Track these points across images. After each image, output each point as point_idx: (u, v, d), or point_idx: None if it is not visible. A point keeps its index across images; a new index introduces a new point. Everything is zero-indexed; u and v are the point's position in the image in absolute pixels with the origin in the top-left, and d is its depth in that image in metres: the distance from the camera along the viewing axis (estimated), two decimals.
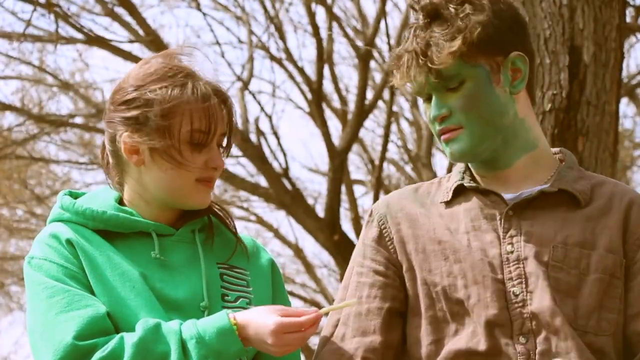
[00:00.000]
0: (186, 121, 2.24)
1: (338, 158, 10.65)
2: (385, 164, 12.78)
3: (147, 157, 2.28)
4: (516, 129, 2.28)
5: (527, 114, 2.30)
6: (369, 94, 10.88)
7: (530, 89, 2.33)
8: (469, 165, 2.35)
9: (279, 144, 11.14)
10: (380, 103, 12.09)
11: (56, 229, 2.28)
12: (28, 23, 8.06)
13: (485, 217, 2.27)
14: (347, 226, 14.88)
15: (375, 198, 11.46)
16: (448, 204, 2.32)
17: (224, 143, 2.33)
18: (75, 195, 2.38)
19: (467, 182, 2.31)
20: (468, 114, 2.24)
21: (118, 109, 2.29)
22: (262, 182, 11.14)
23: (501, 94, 2.26)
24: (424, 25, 2.26)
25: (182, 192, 2.28)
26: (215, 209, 2.40)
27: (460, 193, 2.32)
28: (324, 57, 11.08)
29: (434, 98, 2.28)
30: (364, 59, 10.85)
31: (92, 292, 2.21)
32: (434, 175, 12.09)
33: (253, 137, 10.74)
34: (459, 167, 2.37)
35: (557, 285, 2.19)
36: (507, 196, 2.27)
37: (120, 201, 2.36)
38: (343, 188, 11.19)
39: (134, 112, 2.27)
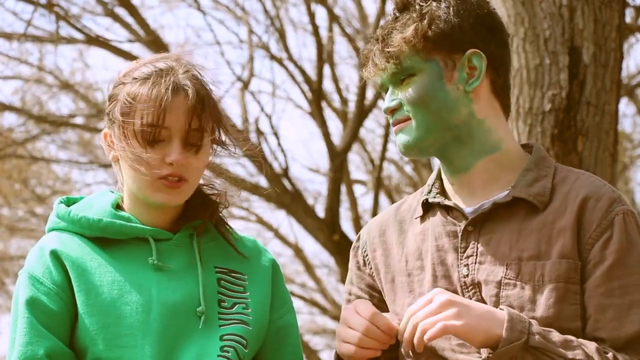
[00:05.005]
0: (138, 116, 2.23)
1: (338, 158, 10.66)
2: (385, 164, 12.78)
3: (119, 152, 2.29)
4: (472, 129, 2.26)
5: (488, 116, 2.28)
6: (369, 94, 10.88)
7: (499, 92, 2.30)
8: (441, 172, 2.35)
9: (279, 144, 11.15)
10: (380, 103, 12.08)
11: (44, 241, 2.31)
12: (29, 23, 8.06)
13: (448, 235, 2.27)
14: (347, 226, 14.91)
15: (376, 198, 11.48)
16: (422, 218, 2.34)
17: (195, 140, 2.27)
18: (72, 201, 2.39)
19: (431, 198, 2.32)
20: (415, 106, 2.25)
21: (105, 107, 2.34)
22: (262, 182, 11.15)
23: (452, 90, 2.25)
24: (393, 18, 2.30)
25: (145, 188, 2.27)
26: (215, 215, 2.39)
27: (429, 208, 2.33)
28: (324, 57, 11.09)
29: (388, 90, 2.30)
30: None
31: (72, 304, 2.23)
32: None
33: (253, 137, 10.74)
34: (430, 178, 2.38)
35: (509, 302, 2.17)
36: (468, 209, 2.27)
37: (120, 204, 2.37)
38: (343, 188, 11.20)
39: (109, 108, 2.30)
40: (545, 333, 2.09)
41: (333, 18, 11.41)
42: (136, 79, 2.27)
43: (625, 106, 13.48)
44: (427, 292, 2.23)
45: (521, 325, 2.07)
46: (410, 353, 2.27)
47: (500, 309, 2.11)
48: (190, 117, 2.25)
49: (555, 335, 2.10)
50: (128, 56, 9.98)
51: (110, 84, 2.36)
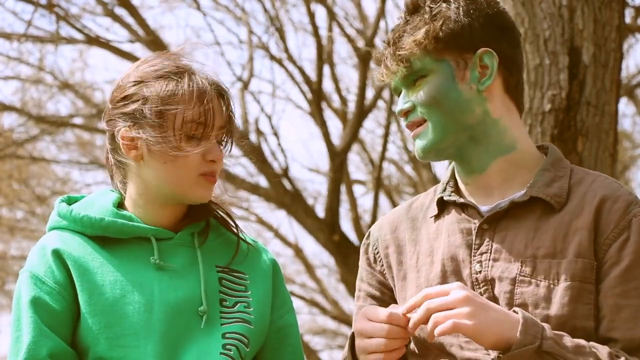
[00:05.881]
0: (181, 114, 2.24)
1: (338, 158, 10.66)
2: (385, 164, 12.79)
3: (145, 152, 2.28)
4: (487, 128, 2.27)
5: (503, 115, 2.28)
6: (369, 94, 10.89)
7: (512, 91, 2.30)
8: (455, 172, 2.35)
9: (279, 144, 11.16)
10: (380, 103, 12.10)
11: (46, 240, 2.31)
12: (29, 23, 8.07)
13: (461, 232, 2.27)
14: (347, 226, 14.92)
15: (375, 198, 11.48)
16: (436, 217, 2.33)
17: (224, 138, 2.32)
18: (73, 200, 2.39)
19: (446, 196, 2.32)
20: (428, 107, 2.25)
21: (117, 106, 2.31)
22: (262, 182, 11.15)
23: (465, 90, 2.26)
24: (403, 21, 2.30)
25: (185, 186, 2.28)
26: (217, 212, 2.39)
27: (444, 206, 2.33)
28: (324, 57, 11.09)
29: (402, 93, 2.30)
30: (364, 59, 10.85)
31: (74, 303, 2.24)
32: (434, 175, 12.10)
33: (253, 137, 10.75)
34: (445, 177, 2.38)
35: (523, 299, 2.17)
36: (484, 208, 2.27)
37: (121, 203, 2.36)
38: (343, 188, 11.20)
39: (131, 107, 2.28)
40: (558, 338, 2.08)
41: (333, 18, 11.42)
42: (165, 77, 2.27)
43: (625, 106, 13.49)
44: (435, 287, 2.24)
45: (535, 330, 2.07)
46: (417, 350, 2.28)
47: (514, 311, 2.11)
48: (226, 115, 2.30)
49: (568, 341, 2.09)
50: (128, 56, 9.99)
51: (115, 86, 2.34)
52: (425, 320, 2.09)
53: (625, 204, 2.20)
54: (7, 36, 9.68)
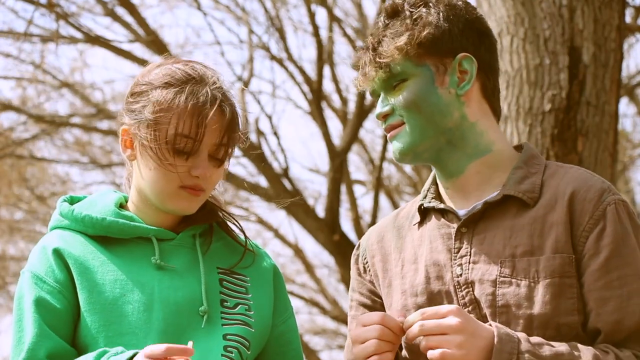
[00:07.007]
0: (173, 124, 2.24)
1: (338, 158, 10.66)
2: (385, 164, 12.79)
3: (138, 152, 2.29)
4: (464, 132, 2.28)
5: (479, 119, 2.29)
6: (369, 95, 10.87)
7: (489, 96, 2.32)
8: (436, 178, 2.36)
9: (279, 144, 11.16)
10: None
11: (47, 239, 2.31)
12: (29, 22, 8.07)
13: (442, 237, 2.28)
14: (347, 226, 14.92)
15: (376, 198, 11.48)
16: (419, 224, 2.35)
17: (221, 154, 2.30)
18: (75, 200, 2.39)
19: (426, 203, 2.33)
20: (408, 110, 2.27)
21: (127, 101, 2.32)
22: (262, 182, 11.15)
23: (444, 94, 2.27)
24: (383, 25, 2.31)
25: (164, 195, 2.27)
26: (220, 216, 2.39)
27: (426, 213, 2.35)
28: (324, 57, 11.10)
29: (380, 96, 2.31)
30: None
31: (74, 302, 2.24)
32: None
33: (253, 137, 10.76)
34: (426, 184, 2.39)
35: (505, 300, 2.18)
36: (462, 212, 2.28)
37: (124, 203, 2.37)
38: (343, 188, 11.21)
39: (135, 106, 2.28)
40: (535, 350, 2.09)
41: (333, 18, 11.42)
42: (170, 84, 2.27)
43: (625, 106, 13.50)
44: (420, 293, 2.27)
45: (510, 346, 2.08)
46: (408, 355, 2.28)
47: (489, 324, 2.12)
48: (222, 135, 2.28)
49: (546, 350, 2.10)
50: (128, 56, 10.00)
51: (135, 79, 2.34)
52: (418, 336, 2.10)
53: (598, 193, 2.20)
54: (8, 35, 9.68)
